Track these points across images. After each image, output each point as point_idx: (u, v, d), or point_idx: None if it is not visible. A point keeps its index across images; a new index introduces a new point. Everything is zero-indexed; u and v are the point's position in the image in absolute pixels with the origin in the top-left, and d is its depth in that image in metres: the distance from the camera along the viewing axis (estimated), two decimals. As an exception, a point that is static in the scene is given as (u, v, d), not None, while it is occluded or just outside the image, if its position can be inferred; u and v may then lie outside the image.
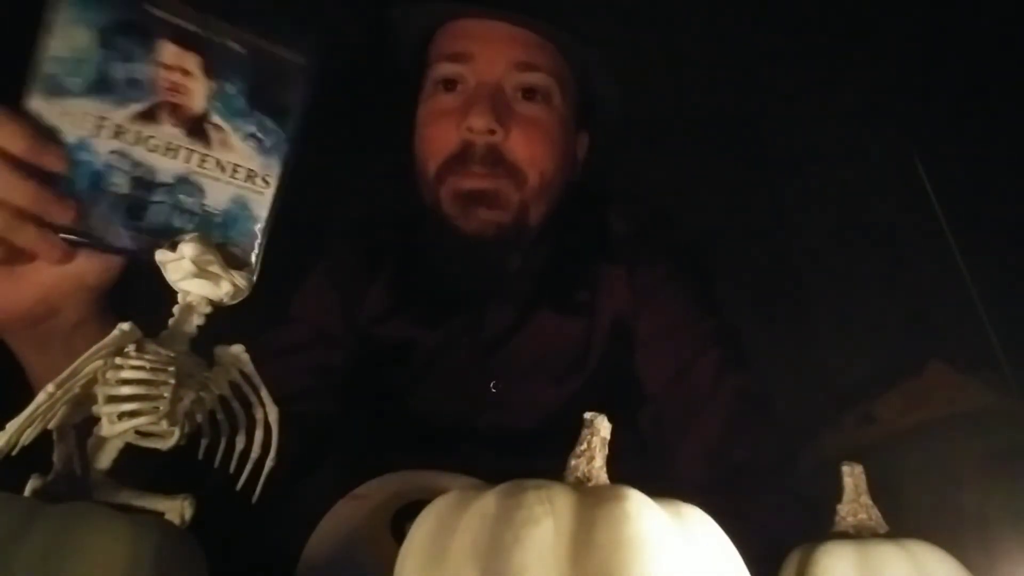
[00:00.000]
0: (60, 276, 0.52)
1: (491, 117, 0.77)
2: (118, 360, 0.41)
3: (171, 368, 0.42)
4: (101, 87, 0.49)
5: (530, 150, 0.79)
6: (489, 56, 0.79)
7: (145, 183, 0.50)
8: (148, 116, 0.50)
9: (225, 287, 0.45)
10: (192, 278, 0.44)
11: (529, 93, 0.80)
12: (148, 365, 0.42)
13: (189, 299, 0.45)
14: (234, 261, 0.46)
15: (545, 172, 0.81)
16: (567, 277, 0.87)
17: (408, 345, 0.86)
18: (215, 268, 0.44)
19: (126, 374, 0.41)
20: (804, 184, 1.52)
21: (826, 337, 1.45)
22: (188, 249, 0.44)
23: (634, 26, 1.34)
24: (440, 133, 0.80)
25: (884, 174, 1.46)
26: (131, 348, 0.42)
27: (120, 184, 0.50)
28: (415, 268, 0.89)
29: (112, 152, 0.50)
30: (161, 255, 0.45)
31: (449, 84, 0.81)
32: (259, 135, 0.53)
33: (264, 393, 0.46)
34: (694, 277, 0.87)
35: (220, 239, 0.50)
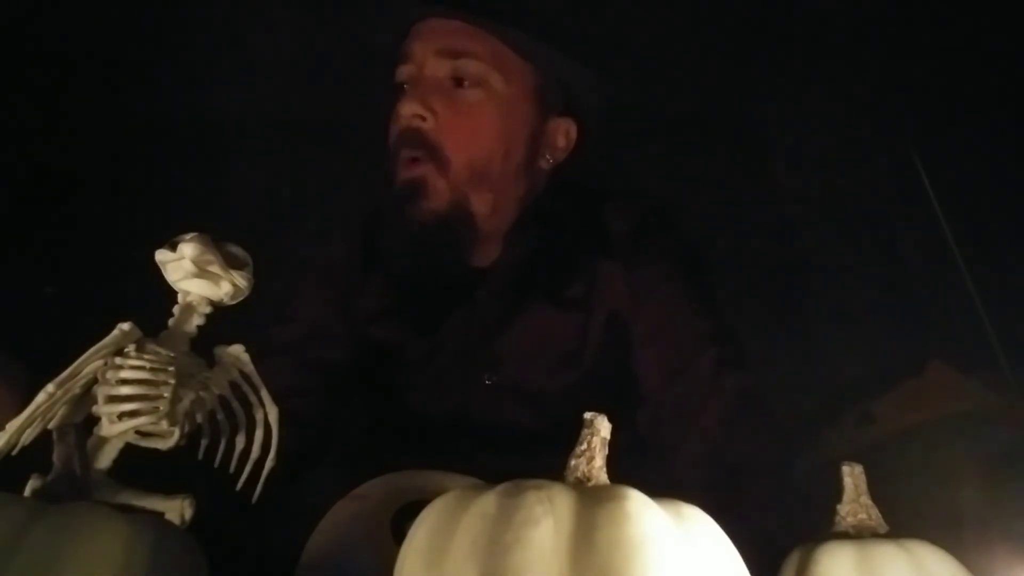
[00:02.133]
0: None
1: (416, 104, 0.80)
2: (118, 360, 0.41)
3: (171, 368, 0.42)
4: None
5: (456, 135, 0.81)
6: (421, 51, 0.82)
7: None
8: None
9: (225, 287, 0.45)
10: (192, 278, 0.44)
11: (461, 81, 0.82)
12: (148, 365, 0.42)
13: (189, 299, 0.45)
14: (234, 261, 0.46)
15: (474, 157, 0.82)
16: (561, 272, 0.87)
17: (404, 343, 0.86)
18: (215, 268, 0.44)
19: (126, 374, 0.41)
20: (804, 184, 1.52)
21: (826, 337, 1.45)
22: (188, 249, 0.44)
23: (633, 25, 1.34)
24: (391, 131, 0.84)
25: (884, 174, 1.46)
26: (131, 348, 0.42)
27: None
28: (405, 264, 0.89)
29: None
30: (161, 255, 0.45)
31: (399, 87, 0.84)
32: None
33: (264, 393, 0.46)
34: (693, 276, 0.87)
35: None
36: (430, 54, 0.82)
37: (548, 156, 0.88)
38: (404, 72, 0.83)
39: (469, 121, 0.82)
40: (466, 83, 0.82)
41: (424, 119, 0.80)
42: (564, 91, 0.88)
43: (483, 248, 0.86)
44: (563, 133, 0.89)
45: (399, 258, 0.86)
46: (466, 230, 0.83)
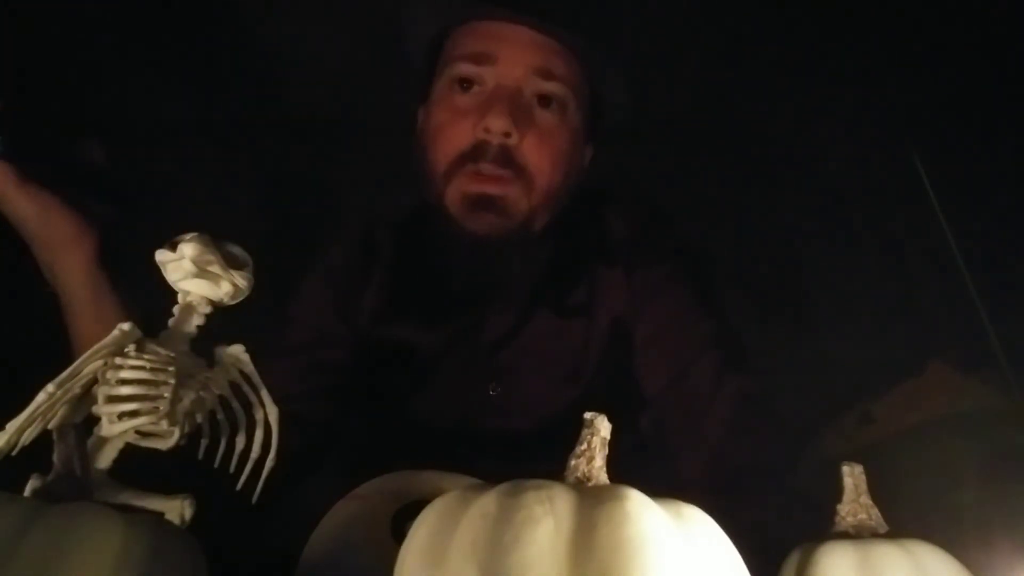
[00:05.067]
0: None
1: (509, 120, 0.77)
2: (118, 360, 0.41)
3: (171, 368, 0.42)
4: None
5: (541, 158, 0.79)
6: (511, 59, 0.79)
7: None
8: None
9: (225, 287, 0.45)
10: (192, 278, 0.44)
11: (545, 100, 0.80)
12: (148, 365, 0.42)
13: (189, 299, 0.45)
14: (234, 261, 0.46)
15: (553, 182, 0.80)
16: (565, 279, 0.86)
17: (407, 347, 0.86)
18: (215, 268, 0.44)
19: (126, 374, 0.41)
20: (804, 184, 1.52)
21: (826, 338, 1.45)
22: (188, 249, 0.44)
23: (632, 27, 1.34)
24: (454, 132, 0.79)
25: (884, 174, 1.46)
26: (131, 348, 0.42)
27: None
28: (414, 269, 0.89)
29: None
30: (161, 255, 0.45)
31: (466, 84, 0.80)
32: None
33: (264, 393, 0.46)
34: (693, 279, 0.87)
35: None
36: (522, 67, 0.79)
37: (580, 179, 0.88)
38: (477, 72, 0.80)
39: (550, 143, 0.80)
40: (553, 104, 0.80)
41: (510, 135, 0.77)
42: (599, 115, 0.88)
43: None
44: (587, 158, 0.89)
45: (447, 266, 0.84)
46: (525, 246, 0.82)
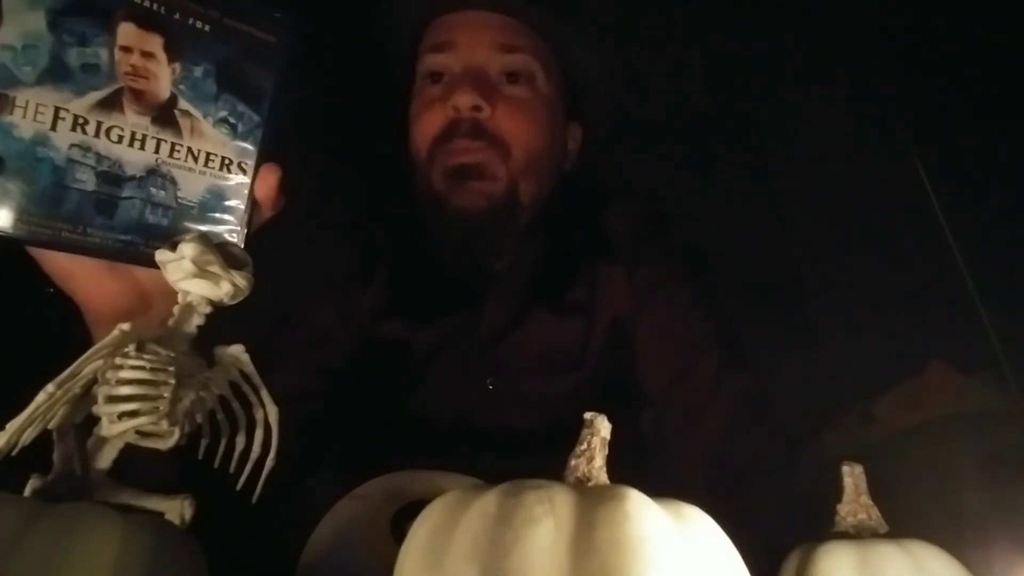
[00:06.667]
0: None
1: (475, 94, 0.79)
2: (118, 360, 0.41)
3: (171, 368, 0.42)
4: (56, 75, 0.45)
5: (514, 126, 0.81)
6: (470, 42, 0.81)
7: (112, 178, 0.47)
8: (110, 104, 0.47)
9: (225, 287, 0.45)
10: (192, 278, 0.44)
11: (513, 76, 0.82)
12: (148, 365, 0.42)
13: (189, 299, 0.45)
14: (234, 261, 0.46)
15: (531, 148, 0.82)
16: (564, 276, 0.86)
17: (406, 345, 0.86)
18: (215, 268, 0.44)
19: (126, 374, 0.41)
20: (804, 184, 1.52)
21: (826, 337, 1.45)
22: (188, 249, 0.44)
23: (630, 23, 1.34)
24: (429, 119, 0.82)
25: (884, 174, 1.46)
26: (131, 348, 0.42)
27: (85, 180, 0.46)
28: (412, 266, 0.89)
29: (73, 146, 0.46)
30: (161, 255, 0.45)
31: (436, 76, 0.83)
32: (231, 120, 0.50)
33: (264, 393, 0.46)
34: (694, 278, 0.87)
35: (195, 231, 0.48)
36: (483, 46, 0.81)
37: (566, 160, 0.89)
38: (442, 61, 0.82)
39: (522, 112, 0.81)
40: (520, 79, 0.82)
41: (481, 109, 0.79)
42: (577, 93, 0.88)
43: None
44: (573, 137, 0.90)
45: (441, 250, 0.84)
46: (514, 216, 0.83)
